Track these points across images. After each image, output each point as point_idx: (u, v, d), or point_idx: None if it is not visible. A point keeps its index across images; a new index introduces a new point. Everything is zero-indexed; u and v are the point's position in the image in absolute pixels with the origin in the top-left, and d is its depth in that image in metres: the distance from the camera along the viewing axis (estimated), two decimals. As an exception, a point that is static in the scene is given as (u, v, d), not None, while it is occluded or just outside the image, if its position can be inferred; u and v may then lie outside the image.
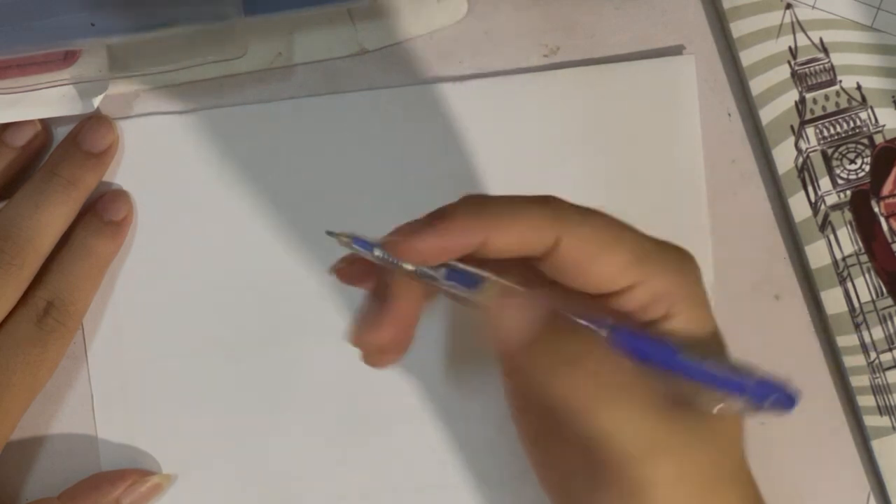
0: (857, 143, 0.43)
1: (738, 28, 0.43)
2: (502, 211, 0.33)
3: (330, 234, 0.34)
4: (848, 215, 0.43)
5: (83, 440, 0.42)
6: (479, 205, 0.33)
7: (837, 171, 0.43)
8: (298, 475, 0.42)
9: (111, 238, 0.41)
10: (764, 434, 0.43)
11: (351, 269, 0.35)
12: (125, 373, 0.42)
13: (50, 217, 0.40)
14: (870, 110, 0.43)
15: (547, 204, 0.34)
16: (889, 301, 0.43)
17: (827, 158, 0.43)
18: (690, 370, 0.32)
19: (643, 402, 0.32)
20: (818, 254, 0.43)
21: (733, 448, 0.34)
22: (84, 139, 0.41)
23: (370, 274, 0.35)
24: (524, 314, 0.33)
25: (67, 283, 0.40)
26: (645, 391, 0.32)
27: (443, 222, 0.33)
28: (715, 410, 0.32)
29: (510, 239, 0.33)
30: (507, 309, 0.33)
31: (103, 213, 0.41)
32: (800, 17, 0.43)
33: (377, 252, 0.33)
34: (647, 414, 0.32)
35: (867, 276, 0.43)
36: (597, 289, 0.33)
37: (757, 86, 0.43)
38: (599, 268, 0.33)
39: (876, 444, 0.42)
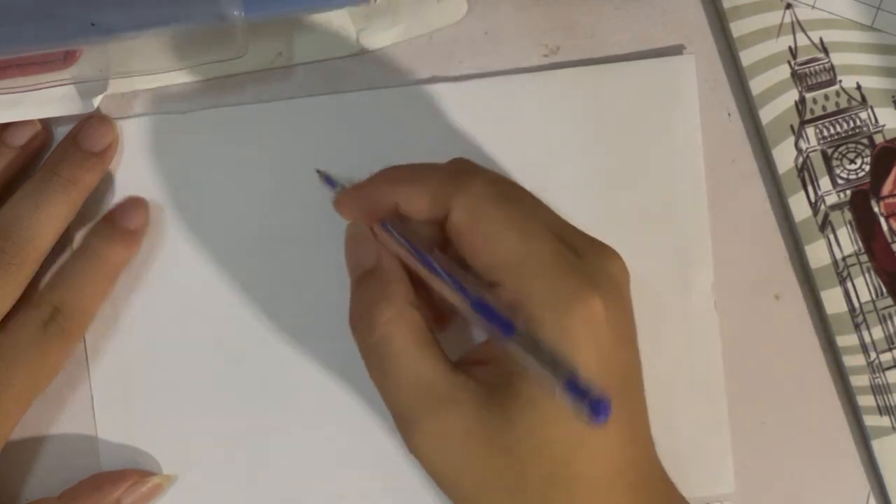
0: (857, 143, 0.43)
1: (738, 28, 0.43)
2: (411, 175, 0.36)
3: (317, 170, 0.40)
4: (848, 215, 0.43)
5: (83, 440, 0.42)
6: (393, 170, 0.37)
7: (837, 171, 0.43)
8: (298, 475, 0.42)
9: (124, 246, 0.41)
10: (764, 434, 0.43)
11: (350, 203, 0.38)
12: (125, 373, 0.42)
13: (49, 216, 0.40)
14: (870, 110, 0.43)
15: (448, 168, 0.36)
16: (889, 301, 0.43)
17: (827, 158, 0.43)
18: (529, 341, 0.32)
19: None
20: (818, 254, 0.43)
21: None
22: (84, 138, 0.41)
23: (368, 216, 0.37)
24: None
25: (76, 290, 0.40)
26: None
27: (359, 187, 0.37)
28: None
29: (415, 201, 0.36)
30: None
31: (118, 221, 0.41)
32: (800, 17, 0.43)
33: (335, 191, 0.39)
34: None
35: (867, 275, 0.43)
36: (473, 265, 0.35)
37: (757, 86, 0.43)
38: (470, 241, 0.35)
39: (876, 444, 0.42)
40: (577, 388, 0.30)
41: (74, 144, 0.41)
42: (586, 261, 0.34)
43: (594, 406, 0.29)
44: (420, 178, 0.36)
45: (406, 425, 0.35)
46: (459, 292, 0.34)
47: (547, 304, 0.33)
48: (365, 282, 0.37)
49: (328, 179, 0.40)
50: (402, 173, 0.37)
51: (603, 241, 0.36)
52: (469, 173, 0.36)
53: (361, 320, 0.36)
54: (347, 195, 0.38)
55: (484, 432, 0.33)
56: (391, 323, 0.35)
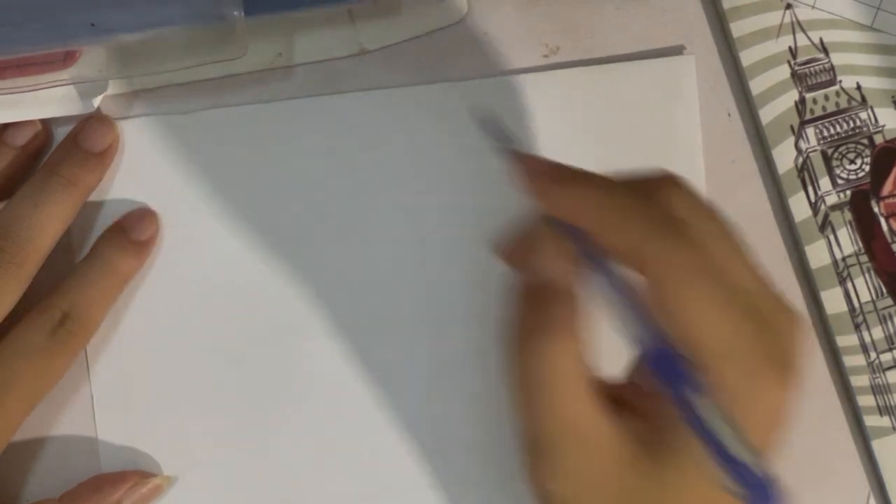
0: (857, 143, 0.43)
1: (738, 28, 0.43)
2: (610, 211, 0.31)
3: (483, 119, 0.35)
4: (848, 215, 0.43)
5: (83, 441, 0.42)
6: (596, 189, 0.32)
7: (837, 171, 0.43)
8: (298, 476, 0.42)
9: (134, 256, 0.41)
10: (764, 434, 0.43)
11: (512, 251, 0.34)
12: (125, 374, 0.42)
13: (50, 216, 0.40)
14: (870, 110, 0.43)
15: (655, 218, 0.31)
16: (889, 301, 0.43)
17: (827, 158, 0.43)
18: (699, 423, 0.29)
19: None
20: (818, 254, 0.43)
21: None
22: (84, 139, 0.41)
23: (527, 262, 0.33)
24: None
25: (86, 297, 0.40)
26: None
27: (557, 180, 0.32)
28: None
29: (608, 244, 0.31)
30: None
31: (129, 230, 0.41)
32: (800, 17, 0.43)
33: (502, 143, 0.33)
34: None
35: (867, 276, 0.43)
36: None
37: (757, 86, 0.43)
38: (661, 311, 0.31)
39: (876, 444, 0.42)
40: (745, 473, 0.28)
41: (75, 145, 0.41)
42: (775, 336, 0.31)
43: (761, 496, 0.27)
44: (620, 220, 0.31)
45: (538, 455, 0.32)
46: (638, 336, 0.31)
47: (737, 392, 0.30)
48: (536, 297, 0.33)
49: (495, 129, 0.35)
50: (592, 199, 0.32)
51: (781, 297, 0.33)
52: (677, 234, 0.30)
53: (526, 339, 0.32)
54: (553, 179, 0.33)
55: (620, 484, 0.31)
56: (558, 355, 0.31)
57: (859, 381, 0.43)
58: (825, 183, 0.43)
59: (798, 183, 0.43)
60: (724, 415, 0.29)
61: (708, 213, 0.32)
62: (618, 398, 0.33)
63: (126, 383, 0.42)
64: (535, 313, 0.32)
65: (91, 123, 0.41)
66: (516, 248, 0.34)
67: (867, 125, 0.43)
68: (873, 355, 0.43)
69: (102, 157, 0.41)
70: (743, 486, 0.28)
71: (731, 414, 0.29)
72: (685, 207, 0.31)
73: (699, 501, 0.30)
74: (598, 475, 0.31)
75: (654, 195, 0.32)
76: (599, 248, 0.31)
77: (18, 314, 0.40)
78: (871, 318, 0.43)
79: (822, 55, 0.43)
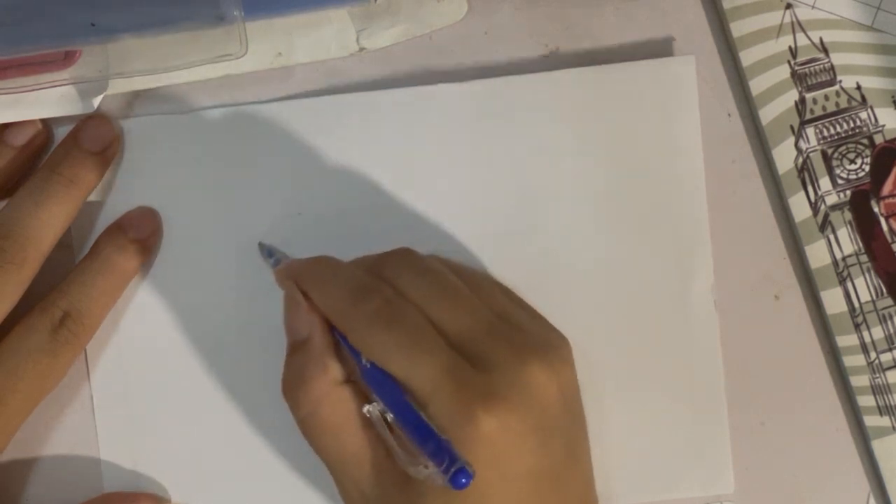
0: (857, 143, 0.43)
1: (738, 28, 0.43)
2: (321, 282, 0.38)
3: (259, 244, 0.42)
4: (848, 215, 0.43)
5: (83, 441, 0.42)
6: (315, 265, 0.39)
7: (837, 171, 0.43)
8: (300, 475, 0.42)
9: (135, 256, 0.41)
10: (764, 434, 0.43)
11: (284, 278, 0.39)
12: (125, 375, 0.42)
13: (50, 216, 0.40)
14: (870, 110, 0.43)
15: (353, 283, 0.38)
16: (889, 301, 0.43)
17: (827, 158, 0.43)
18: (409, 415, 0.34)
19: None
20: (818, 254, 0.43)
21: None
22: (85, 138, 0.41)
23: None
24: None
25: (86, 296, 0.40)
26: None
27: (292, 267, 0.39)
28: (420, 476, 0.33)
29: (322, 308, 0.38)
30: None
31: (129, 230, 0.41)
32: (800, 17, 0.43)
33: (271, 261, 0.41)
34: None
35: (867, 276, 0.43)
36: None
37: (757, 86, 0.43)
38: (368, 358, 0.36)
39: (876, 444, 0.42)
40: (445, 457, 0.32)
41: (75, 144, 0.41)
42: (488, 370, 0.35)
43: (456, 473, 0.31)
44: (327, 290, 0.37)
45: (337, 482, 0.37)
46: (355, 358, 0.36)
47: (440, 427, 0.33)
48: (297, 353, 0.38)
49: (269, 252, 0.41)
50: (317, 277, 0.38)
51: (542, 328, 0.39)
52: (364, 293, 0.36)
53: (292, 393, 0.37)
54: (281, 272, 0.39)
55: (391, 497, 0.35)
56: (316, 401, 0.36)
57: (859, 381, 0.43)
58: (825, 183, 0.43)
59: (798, 183, 0.43)
60: (425, 413, 0.34)
61: (420, 268, 0.38)
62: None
63: (126, 383, 0.42)
64: (297, 365, 0.38)
65: (91, 123, 0.41)
66: (286, 316, 0.39)
67: (867, 125, 0.43)
68: (873, 355, 0.43)
69: (102, 157, 0.41)
70: (444, 467, 0.32)
71: (427, 408, 0.34)
72: (394, 269, 0.38)
73: None
74: (375, 493, 0.36)
75: (379, 263, 0.38)
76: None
77: (19, 314, 0.40)
78: (871, 318, 0.43)
79: (822, 55, 0.43)
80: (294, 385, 0.37)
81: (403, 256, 0.39)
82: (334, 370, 0.37)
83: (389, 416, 0.35)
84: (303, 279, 0.38)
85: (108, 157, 0.42)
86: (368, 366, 0.36)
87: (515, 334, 0.37)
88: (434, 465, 0.32)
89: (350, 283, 0.37)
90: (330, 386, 0.37)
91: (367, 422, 0.36)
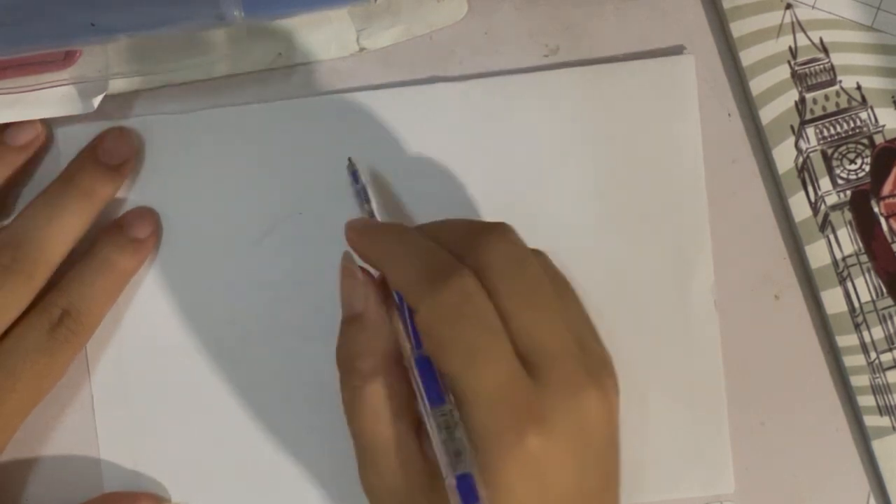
0: (857, 143, 0.43)
1: (738, 28, 0.43)
2: (397, 255, 0.36)
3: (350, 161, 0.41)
4: (848, 215, 0.43)
5: (83, 441, 0.42)
6: (393, 235, 0.37)
7: (837, 171, 0.43)
8: (301, 476, 0.42)
9: (133, 255, 0.41)
10: (764, 434, 0.43)
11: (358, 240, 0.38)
12: (125, 375, 0.42)
13: (63, 227, 0.40)
14: (870, 110, 0.43)
15: (433, 259, 0.36)
16: (889, 301, 0.43)
17: (827, 158, 0.43)
18: (435, 391, 0.34)
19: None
20: (818, 254, 0.43)
21: None
22: (102, 151, 0.41)
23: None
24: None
25: (84, 295, 0.40)
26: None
27: (368, 232, 0.38)
28: (446, 480, 0.33)
29: (392, 283, 0.36)
30: None
31: (128, 229, 0.41)
32: (800, 17, 0.43)
33: (357, 187, 0.40)
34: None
35: (867, 276, 0.43)
36: None
37: (757, 86, 0.43)
38: (426, 346, 0.35)
39: (876, 444, 0.42)
40: (468, 488, 0.31)
41: (93, 156, 0.41)
42: (546, 387, 0.34)
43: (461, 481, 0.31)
44: (403, 263, 0.36)
45: (360, 463, 0.36)
46: (413, 339, 0.35)
47: (482, 436, 0.33)
48: (352, 326, 0.37)
49: (355, 177, 0.40)
50: (390, 246, 0.37)
51: (603, 352, 0.37)
52: (444, 279, 0.34)
53: (347, 361, 0.36)
54: (360, 233, 0.38)
55: (410, 493, 0.35)
56: (367, 377, 0.36)
57: (859, 381, 0.43)
58: (825, 183, 0.43)
59: (798, 183, 0.43)
60: (468, 418, 0.33)
61: (518, 262, 0.36)
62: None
63: (126, 383, 0.42)
64: (351, 338, 0.37)
65: (110, 135, 0.41)
66: (342, 287, 0.38)
67: (867, 125, 0.43)
68: (873, 355, 0.43)
69: (120, 170, 0.41)
70: (456, 473, 0.31)
71: (473, 418, 0.33)
72: (488, 254, 0.35)
73: None
74: (397, 486, 0.35)
75: (473, 241, 0.36)
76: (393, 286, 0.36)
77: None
78: (871, 318, 0.43)
79: (822, 55, 0.43)
80: (349, 355, 0.36)
81: (504, 237, 0.36)
82: (389, 345, 0.36)
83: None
84: (373, 246, 0.37)
85: (125, 170, 0.41)
86: (419, 355, 0.35)
87: (581, 355, 0.35)
88: (449, 475, 0.32)
89: (430, 261, 0.35)
90: (384, 362, 0.36)
91: (407, 412, 0.36)
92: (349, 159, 0.41)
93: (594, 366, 0.35)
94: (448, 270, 0.34)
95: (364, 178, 0.41)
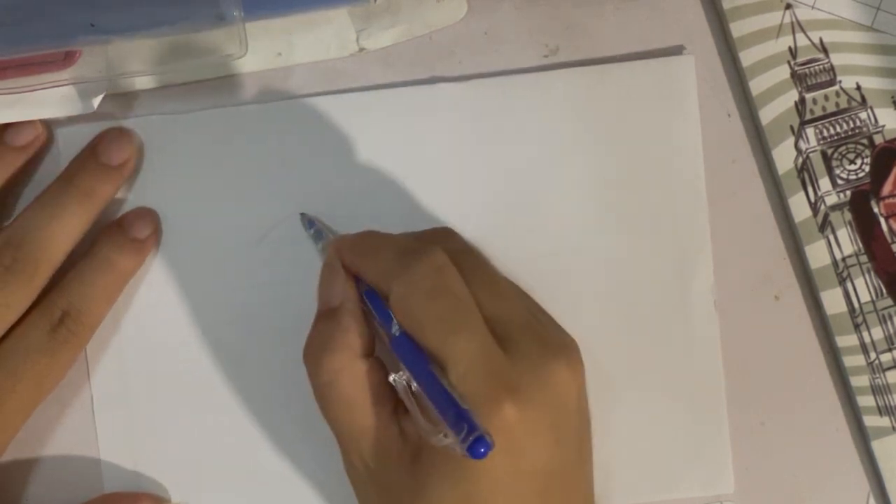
0: (856, 143, 0.43)
1: (738, 28, 0.43)
2: (369, 250, 0.38)
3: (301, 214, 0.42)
4: (848, 215, 0.43)
5: (83, 442, 0.42)
6: (362, 238, 0.39)
7: (837, 172, 0.43)
8: (301, 476, 0.42)
9: (133, 255, 0.41)
10: (764, 434, 0.43)
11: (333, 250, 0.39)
12: (125, 374, 0.42)
13: (64, 228, 0.40)
14: (869, 110, 0.43)
15: (402, 247, 0.38)
16: (889, 301, 0.43)
17: (827, 159, 0.43)
18: (434, 385, 0.34)
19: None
20: (818, 254, 0.43)
21: None
22: (103, 151, 0.41)
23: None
24: None
25: (85, 295, 0.40)
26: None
27: (339, 242, 0.39)
28: (440, 444, 0.33)
29: (367, 277, 0.38)
30: None
31: (128, 229, 0.41)
32: (800, 18, 0.43)
33: (311, 231, 0.41)
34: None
35: (867, 276, 0.43)
36: None
37: (757, 86, 0.43)
38: (405, 326, 0.36)
39: (876, 445, 0.42)
40: (465, 426, 0.32)
41: (93, 156, 0.41)
42: (518, 360, 0.35)
43: (475, 442, 0.31)
44: (375, 254, 0.37)
45: (343, 451, 0.37)
46: (385, 325, 0.36)
47: (464, 404, 0.33)
48: (325, 320, 0.38)
49: (310, 223, 0.42)
50: (366, 244, 0.38)
51: (562, 330, 0.39)
52: (415, 258, 0.36)
53: (312, 358, 0.37)
54: (333, 245, 0.39)
55: (396, 474, 0.36)
56: (337, 371, 0.36)
57: (859, 381, 0.43)
58: (825, 183, 0.43)
59: (798, 183, 0.43)
60: (448, 382, 0.34)
61: (473, 252, 0.39)
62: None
63: (126, 383, 0.42)
64: (324, 333, 0.37)
65: (110, 136, 0.41)
66: (321, 280, 0.39)
67: (867, 125, 0.43)
68: (873, 355, 0.43)
69: (120, 170, 0.41)
70: (463, 435, 0.31)
71: (453, 382, 0.34)
72: (441, 243, 0.37)
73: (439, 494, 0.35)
74: (381, 469, 0.36)
75: (425, 239, 0.38)
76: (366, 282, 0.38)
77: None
78: (871, 318, 0.43)
79: (822, 55, 0.43)
80: (318, 351, 0.37)
81: (447, 234, 0.39)
82: (360, 342, 0.37)
83: (414, 387, 0.34)
84: (350, 248, 0.38)
85: (125, 170, 0.41)
86: (398, 334, 0.35)
87: (544, 331, 0.37)
88: (453, 434, 0.32)
89: (400, 247, 0.37)
90: (353, 356, 0.36)
91: (382, 399, 0.36)
92: (301, 215, 0.42)
93: (557, 341, 0.37)
94: (418, 250, 0.36)
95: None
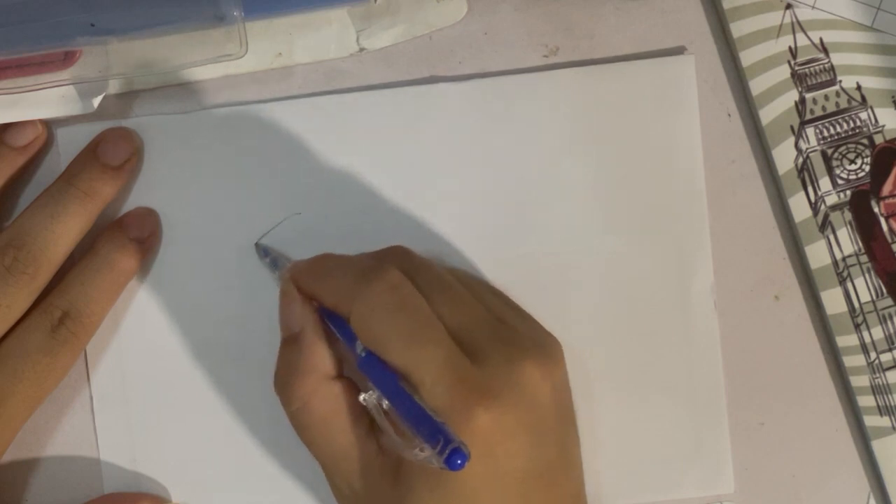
0: (857, 143, 0.43)
1: (738, 28, 0.43)
2: (327, 273, 0.38)
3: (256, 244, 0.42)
4: (848, 215, 0.43)
5: (83, 442, 0.42)
6: (319, 261, 0.39)
7: (837, 172, 0.43)
8: (302, 476, 0.42)
9: (134, 255, 0.41)
10: (764, 434, 0.43)
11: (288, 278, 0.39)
12: (125, 374, 0.42)
13: (65, 228, 0.40)
14: (870, 110, 0.43)
15: (359, 268, 0.38)
16: (889, 301, 0.43)
17: (827, 158, 0.43)
18: (405, 401, 0.34)
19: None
20: (818, 254, 0.43)
21: None
22: (103, 151, 0.41)
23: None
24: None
25: (85, 295, 0.40)
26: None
27: (295, 269, 0.39)
28: (417, 459, 0.33)
29: (326, 300, 0.38)
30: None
31: (128, 229, 0.41)
32: (800, 18, 0.43)
33: (267, 261, 0.42)
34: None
35: (867, 276, 0.43)
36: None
37: (757, 86, 0.43)
38: (367, 345, 0.36)
39: (876, 444, 0.42)
40: (441, 438, 0.32)
41: (93, 157, 0.41)
42: (485, 365, 0.35)
43: (451, 454, 0.31)
44: (332, 276, 0.38)
45: (327, 478, 0.38)
46: (349, 347, 0.36)
47: (425, 384, 0.34)
48: (289, 347, 0.38)
49: (265, 252, 0.42)
50: (322, 268, 0.38)
51: (537, 329, 0.39)
52: (372, 276, 0.36)
53: (282, 386, 0.38)
54: (288, 272, 0.39)
55: (378, 491, 0.36)
56: (308, 396, 0.37)
57: (859, 381, 0.43)
58: (825, 183, 0.43)
59: (798, 183, 0.43)
60: (418, 396, 0.34)
61: (424, 265, 0.39)
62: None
63: (126, 383, 0.42)
64: (289, 360, 0.38)
65: (111, 136, 0.41)
66: (280, 309, 0.39)
67: (867, 125, 0.43)
68: (873, 355, 0.43)
69: (120, 170, 0.41)
70: (439, 448, 0.32)
71: (423, 395, 0.34)
72: (393, 263, 0.37)
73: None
74: (364, 488, 0.36)
75: (382, 259, 0.38)
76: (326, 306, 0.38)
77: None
78: (871, 318, 0.43)
79: (822, 55, 0.43)
80: (285, 379, 0.37)
81: (401, 252, 0.39)
82: (326, 364, 0.37)
83: (385, 404, 0.35)
84: (306, 273, 0.38)
85: (125, 170, 0.41)
86: (364, 354, 0.36)
87: (510, 334, 0.37)
88: (430, 448, 0.32)
89: (356, 268, 0.37)
90: (321, 380, 0.37)
91: (357, 417, 0.37)
92: (255, 245, 0.42)
93: (526, 342, 0.37)
94: (373, 269, 0.36)
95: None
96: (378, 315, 0.35)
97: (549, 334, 0.39)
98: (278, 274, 0.41)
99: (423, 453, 0.33)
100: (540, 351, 0.37)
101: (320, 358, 0.37)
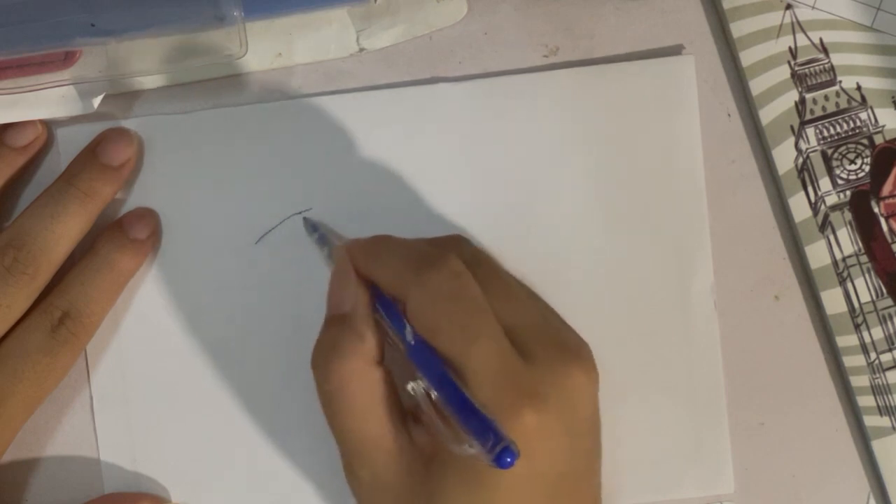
0: (857, 143, 0.43)
1: (738, 28, 0.43)
2: (383, 255, 0.37)
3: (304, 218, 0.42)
4: (848, 215, 0.43)
5: (83, 442, 0.42)
6: (374, 242, 0.38)
7: (837, 172, 0.43)
8: (302, 476, 0.42)
9: (133, 255, 0.41)
10: (764, 434, 0.43)
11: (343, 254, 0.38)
12: (125, 374, 0.42)
13: (65, 228, 0.40)
14: (870, 111, 0.43)
15: (418, 254, 0.37)
16: (889, 301, 0.43)
17: (827, 159, 0.43)
18: (455, 393, 0.33)
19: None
20: (818, 254, 0.43)
21: None
22: (103, 151, 0.41)
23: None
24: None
25: (85, 295, 0.40)
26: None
27: (351, 247, 0.38)
28: (465, 454, 0.32)
29: (381, 283, 0.37)
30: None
31: (128, 229, 0.41)
32: (800, 18, 0.43)
33: (315, 236, 0.41)
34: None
35: (867, 276, 0.43)
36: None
37: (757, 86, 0.43)
38: (421, 333, 0.35)
39: (876, 444, 0.42)
40: (491, 436, 0.31)
41: (93, 157, 0.41)
42: (535, 366, 0.35)
43: (502, 452, 0.31)
44: (391, 259, 0.37)
45: (347, 465, 0.37)
46: (399, 334, 0.35)
47: (483, 410, 0.33)
48: (335, 326, 0.37)
49: (313, 227, 0.41)
50: (381, 249, 0.38)
51: (576, 334, 0.38)
52: (432, 264, 0.35)
53: (321, 364, 0.36)
54: (341, 249, 0.39)
55: (403, 487, 0.35)
56: (347, 377, 0.36)
57: (859, 381, 0.43)
58: (825, 183, 0.43)
59: (798, 183, 0.43)
60: (467, 389, 0.33)
61: (485, 258, 0.39)
62: (413, 411, 0.37)
63: (126, 383, 0.42)
64: (333, 338, 0.37)
65: (110, 136, 0.41)
66: (332, 284, 0.38)
67: (867, 125, 0.43)
68: (873, 355, 0.43)
69: (120, 170, 0.41)
70: (489, 446, 0.31)
71: (472, 389, 0.33)
72: (443, 254, 0.36)
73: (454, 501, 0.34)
74: (391, 479, 0.36)
75: (442, 246, 0.38)
76: (378, 288, 0.37)
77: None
78: (871, 318, 0.43)
79: (822, 55, 0.43)
80: (326, 357, 0.36)
81: (461, 241, 0.39)
82: (371, 348, 0.36)
83: (434, 395, 0.34)
84: (364, 253, 0.38)
85: (125, 170, 0.41)
86: (413, 342, 0.35)
87: (560, 336, 0.37)
88: (478, 444, 0.31)
89: (416, 253, 0.37)
90: (364, 363, 0.36)
91: (392, 407, 0.36)
92: (304, 220, 0.42)
93: (573, 346, 0.37)
94: (434, 256, 0.36)
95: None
96: (435, 304, 0.35)
97: (585, 341, 0.38)
98: (327, 251, 0.40)
99: (471, 448, 0.32)
100: (585, 356, 0.37)
101: (367, 340, 0.36)
